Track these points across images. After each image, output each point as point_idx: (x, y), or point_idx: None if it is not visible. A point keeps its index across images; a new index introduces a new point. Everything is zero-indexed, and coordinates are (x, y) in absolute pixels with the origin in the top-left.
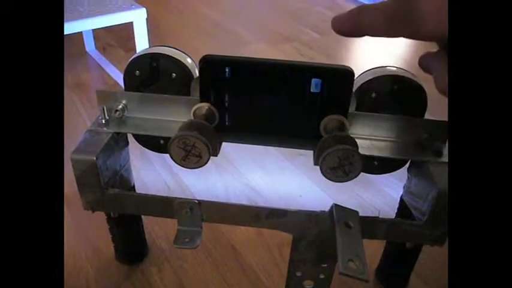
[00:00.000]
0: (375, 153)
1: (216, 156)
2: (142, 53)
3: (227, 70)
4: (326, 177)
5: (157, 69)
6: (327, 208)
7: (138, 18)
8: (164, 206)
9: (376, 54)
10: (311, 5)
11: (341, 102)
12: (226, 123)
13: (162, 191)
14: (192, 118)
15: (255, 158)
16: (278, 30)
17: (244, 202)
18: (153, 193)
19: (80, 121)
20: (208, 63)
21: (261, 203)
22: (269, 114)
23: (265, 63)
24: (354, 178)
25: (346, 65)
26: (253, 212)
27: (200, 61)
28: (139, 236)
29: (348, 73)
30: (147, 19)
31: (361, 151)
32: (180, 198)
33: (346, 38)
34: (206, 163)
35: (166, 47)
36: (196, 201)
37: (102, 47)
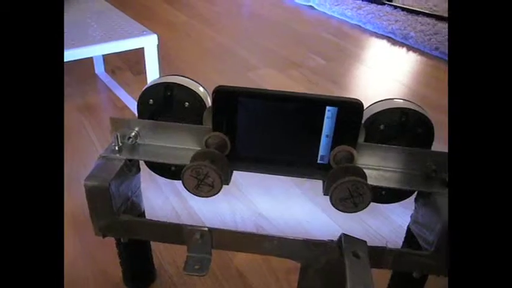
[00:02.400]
0: (383, 183)
1: (228, 184)
2: (156, 82)
3: (240, 101)
4: (335, 208)
5: (171, 98)
6: (334, 234)
7: (149, 44)
8: (175, 232)
9: (381, 81)
10: (317, 31)
11: (351, 133)
12: (238, 152)
13: (170, 215)
14: (205, 147)
15: (262, 183)
16: (285, 55)
17: (251, 228)
18: (161, 218)
19: (88, 143)
20: (221, 94)
21: (269, 229)
22: (280, 144)
23: (278, 95)
24: (363, 209)
25: (354, 95)
26: (262, 240)
27: (213, 92)
28: (147, 261)
29: (358, 105)
30: (158, 45)
31: (370, 181)
32: (191, 226)
33: (352, 64)
34: (218, 192)
35: (179, 77)
36: (206, 228)
37: (111, 70)
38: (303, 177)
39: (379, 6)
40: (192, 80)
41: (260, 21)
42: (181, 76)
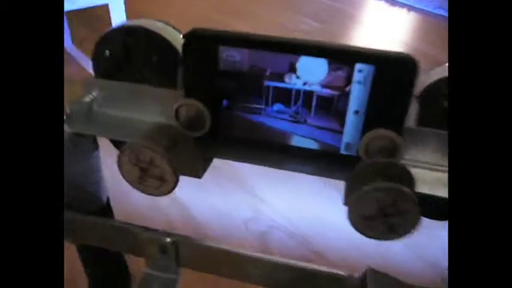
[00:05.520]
0: (441, 192)
1: (200, 178)
2: (115, 28)
3: (224, 52)
4: (356, 229)
5: (134, 49)
6: (366, 254)
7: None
8: (126, 239)
9: (382, 43)
10: None
11: (395, 110)
12: (222, 130)
13: (149, 209)
14: (175, 120)
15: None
16: (276, 22)
17: (250, 223)
18: (138, 213)
19: None
20: (195, 40)
21: (279, 239)
22: (284, 122)
23: (282, 43)
24: (403, 236)
25: None
26: (254, 262)
27: (184, 37)
28: (119, 266)
29: (409, 63)
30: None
31: (421, 188)
32: (149, 231)
33: (349, 26)
34: (173, 189)
35: (147, 20)
36: (168, 239)
37: (79, 42)
38: (317, 175)
39: None
40: (165, 22)
41: None
42: (151, 20)
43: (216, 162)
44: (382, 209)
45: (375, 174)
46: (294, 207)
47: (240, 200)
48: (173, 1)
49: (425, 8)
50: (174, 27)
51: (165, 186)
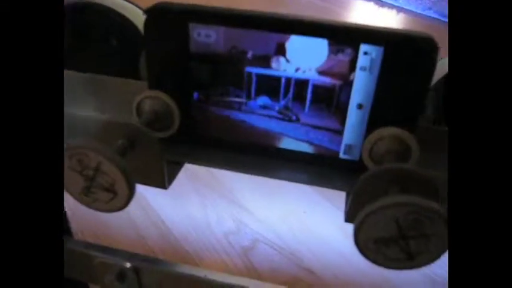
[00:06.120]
0: None
1: (165, 188)
2: (66, 3)
3: (195, 31)
4: (366, 257)
5: (88, 29)
6: (341, 232)
7: None
8: (82, 263)
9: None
10: None
11: (407, 104)
12: (194, 130)
13: (118, 221)
14: (136, 116)
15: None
16: None
17: (232, 237)
18: (105, 227)
19: None
20: (162, 14)
21: (267, 257)
22: (271, 120)
23: (267, 18)
24: (427, 264)
25: None
26: None
27: (147, 11)
28: None
29: (426, 45)
30: None
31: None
32: (107, 253)
33: (349, 1)
34: (127, 204)
35: None
36: (128, 265)
37: None
38: (311, 184)
39: None
40: (128, 1)
41: None
42: None
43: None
44: (401, 230)
45: (387, 184)
46: (282, 219)
47: (221, 210)
48: None
49: (414, 10)
50: (135, 4)
51: (117, 199)
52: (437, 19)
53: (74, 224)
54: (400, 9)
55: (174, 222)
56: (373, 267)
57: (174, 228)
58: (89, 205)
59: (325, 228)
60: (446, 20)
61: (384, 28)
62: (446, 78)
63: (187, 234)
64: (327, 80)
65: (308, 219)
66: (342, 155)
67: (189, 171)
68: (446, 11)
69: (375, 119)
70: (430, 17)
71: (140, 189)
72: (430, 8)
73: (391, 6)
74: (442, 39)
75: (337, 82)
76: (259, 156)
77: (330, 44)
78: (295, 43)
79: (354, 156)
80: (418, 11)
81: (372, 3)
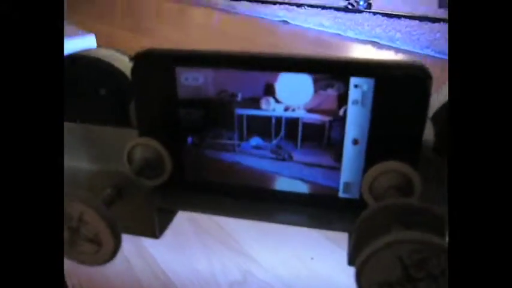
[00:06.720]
0: None
1: (157, 238)
2: None
3: (182, 75)
4: None
5: (78, 81)
6: (351, 277)
7: (87, 45)
8: None
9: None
10: (293, 42)
11: (405, 136)
12: (186, 176)
13: (119, 273)
14: (127, 164)
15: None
16: None
17: (237, 277)
18: (105, 278)
19: None
20: (149, 60)
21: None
22: (265, 160)
23: (255, 58)
24: None
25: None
26: None
27: (133, 58)
28: None
29: (421, 73)
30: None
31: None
32: None
33: (347, 45)
34: (114, 256)
35: (97, 49)
36: None
37: None
38: (310, 227)
39: (358, 14)
40: (116, 50)
41: (230, 40)
42: (104, 48)
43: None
44: (407, 271)
45: (389, 222)
46: (289, 266)
47: (226, 260)
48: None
49: (412, 49)
50: (124, 53)
51: (102, 250)
52: (435, 56)
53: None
54: (397, 50)
55: (176, 273)
56: None
57: (177, 280)
58: (75, 258)
59: (334, 274)
60: (445, 57)
61: (374, 59)
62: (446, 107)
63: (191, 286)
64: (316, 117)
65: (316, 266)
66: (341, 194)
67: (192, 221)
68: (443, 49)
69: (373, 153)
70: (427, 55)
71: (141, 240)
72: (427, 47)
73: (388, 47)
74: (443, 76)
75: (327, 118)
76: (254, 200)
77: (317, 80)
78: (283, 82)
79: (354, 194)
80: (416, 50)
81: (369, 46)
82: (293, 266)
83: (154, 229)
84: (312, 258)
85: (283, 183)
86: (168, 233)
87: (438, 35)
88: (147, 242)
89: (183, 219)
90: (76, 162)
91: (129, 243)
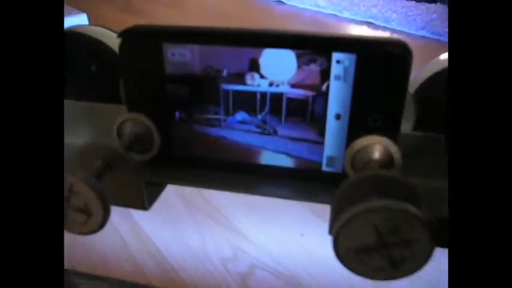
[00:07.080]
0: (444, 213)
1: (146, 209)
2: None
3: (170, 51)
4: (348, 268)
5: (69, 58)
6: (347, 274)
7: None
8: None
9: None
10: (290, 23)
11: (386, 111)
12: (173, 150)
13: (113, 249)
14: (117, 139)
15: (254, 201)
16: None
17: (230, 264)
18: (100, 255)
19: None
20: (136, 36)
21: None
22: (250, 135)
23: (240, 33)
24: (410, 274)
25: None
26: None
27: (121, 35)
28: None
29: (401, 49)
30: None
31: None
32: (91, 281)
33: (342, 25)
34: (103, 226)
35: (86, 26)
36: None
37: None
38: (295, 199)
39: None
40: (103, 27)
41: (225, 20)
42: (93, 26)
43: (188, 192)
44: (381, 237)
45: (367, 192)
46: (279, 243)
47: (218, 237)
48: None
49: (407, 30)
50: (112, 30)
51: (92, 220)
52: (431, 38)
53: (69, 256)
54: (393, 30)
55: (169, 250)
56: (377, 286)
57: (170, 257)
58: (65, 227)
59: (323, 249)
60: (440, 38)
61: (355, 36)
62: (430, 83)
63: (183, 263)
64: (300, 92)
65: (306, 242)
66: (324, 168)
67: (185, 198)
68: (439, 30)
69: (355, 128)
70: (422, 36)
71: (136, 217)
72: (423, 28)
73: (384, 28)
74: (437, 53)
75: (310, 93)
76: (240, 173)
77: (300, 55)
78: (267, 57)
79: (337, 168)
80: (411, 31)
81: (365, 27)
82: (283, 242)
83: (144, 201)
84: (301, 235)
85: (269, 157)
86: (160, 208)
87: (435, 15)
88: (142, 221)
89: (172, 193)
90: (67, 138)
91: (125, 223)
